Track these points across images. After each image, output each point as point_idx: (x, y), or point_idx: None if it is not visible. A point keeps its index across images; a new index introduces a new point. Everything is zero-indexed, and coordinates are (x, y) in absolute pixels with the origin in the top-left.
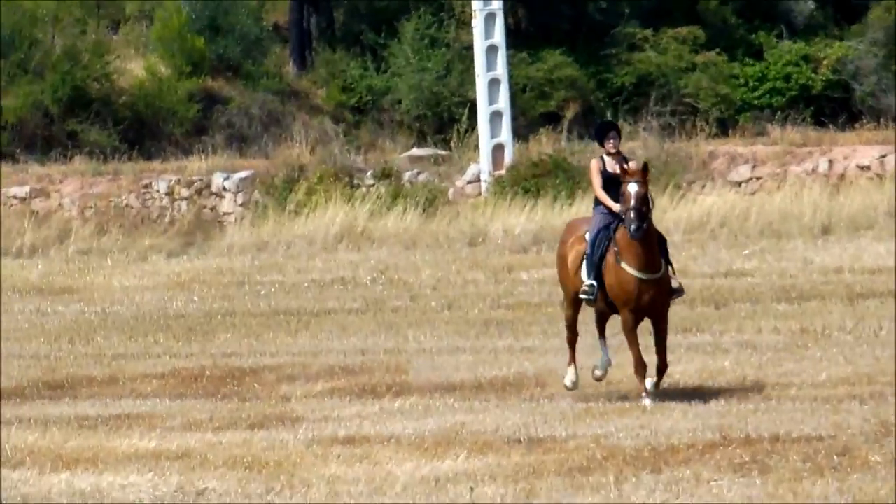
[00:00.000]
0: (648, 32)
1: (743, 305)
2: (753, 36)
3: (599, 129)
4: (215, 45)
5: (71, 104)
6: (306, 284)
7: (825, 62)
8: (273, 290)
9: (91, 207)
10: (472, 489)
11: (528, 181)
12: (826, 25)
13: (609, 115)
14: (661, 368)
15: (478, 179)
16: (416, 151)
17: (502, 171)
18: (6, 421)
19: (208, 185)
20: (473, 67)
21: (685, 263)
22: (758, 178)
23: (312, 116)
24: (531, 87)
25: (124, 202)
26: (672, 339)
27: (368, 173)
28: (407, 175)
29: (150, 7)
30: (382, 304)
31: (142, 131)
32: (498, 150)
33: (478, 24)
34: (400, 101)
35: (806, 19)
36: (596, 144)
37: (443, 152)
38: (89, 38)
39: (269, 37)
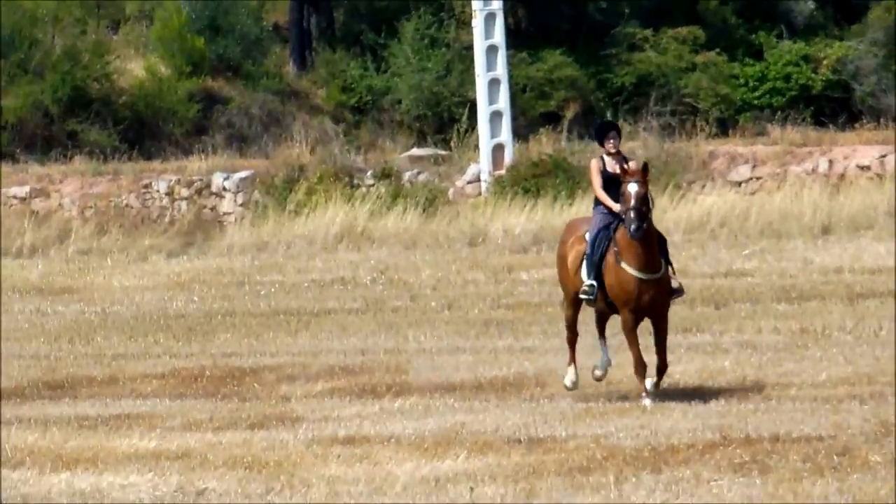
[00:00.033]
0: (648, 32)
1: (743, 305)
2: (753, 36)
3: (599, 129)
4: (215, 45)
5: (71, 104)
6: (306, 284)
7: (825, 62)
8: (273, 290)
9: (91, 207)
10: (471, 489)
11: (528, 181)
12: (826, 25)
13: (609, 115)
14: (662, 368)
15: (478, 179)
16: (416, 151)
17: (502, 171)
18: (6, 421)
19: (208, 185)
20: (473, 67)
21: (685, 263)
22: (758, 178)
23: (312, 116)
24: (531, 87)
25: (124, 202)
26: (672, 339)
27: (368, 173)
28: (407, 175)
29: (150, 7)
30: (382, 304)
31: (142, 131)
32: (498, 150)
33: (478, 24)
34: (400, 101)
35: (806, 19)
36: (596, 144)
37: (443, 152)
38: (89, 38)
39: (269, 37)
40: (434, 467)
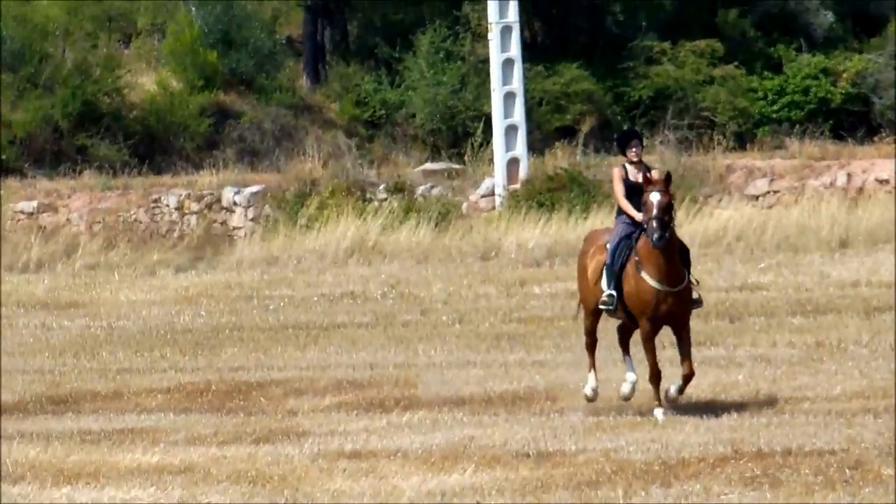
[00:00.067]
0: (666, 45)
1: (758, 319)
2: (772, 49)
3: (622, 137)
4: (228, 58)
5: (81, 119)
6: (315, 298)
7: (844, 75)
8: (282, 304)
9: (99, 222)
10: (478, 503)
11: (542, 195)
12: (845, 38)
13: (626, 128)
14: (688, 376)
15: (492, 193)
16: (429, 166)
17: (517, 185)
18: (8, 436)
19: (219, 200)
20: (489, 81)
21: (700, 277)
22: (775, 192)
23: (325, 131)
24: (547, 101)
25: (133, 217)
26: None
27: (381, 187)
28: (420, 189)
29: (163, 21)
30: (393, 318)
31: (152, 146)
32: (513, 164)
33: (494, 37)
34: (414, 116)
35: (825, 32)
36: (612, 157)
37: (457, 166)
38: (100, 52)
39: (283, 50)
40: (441, 481)
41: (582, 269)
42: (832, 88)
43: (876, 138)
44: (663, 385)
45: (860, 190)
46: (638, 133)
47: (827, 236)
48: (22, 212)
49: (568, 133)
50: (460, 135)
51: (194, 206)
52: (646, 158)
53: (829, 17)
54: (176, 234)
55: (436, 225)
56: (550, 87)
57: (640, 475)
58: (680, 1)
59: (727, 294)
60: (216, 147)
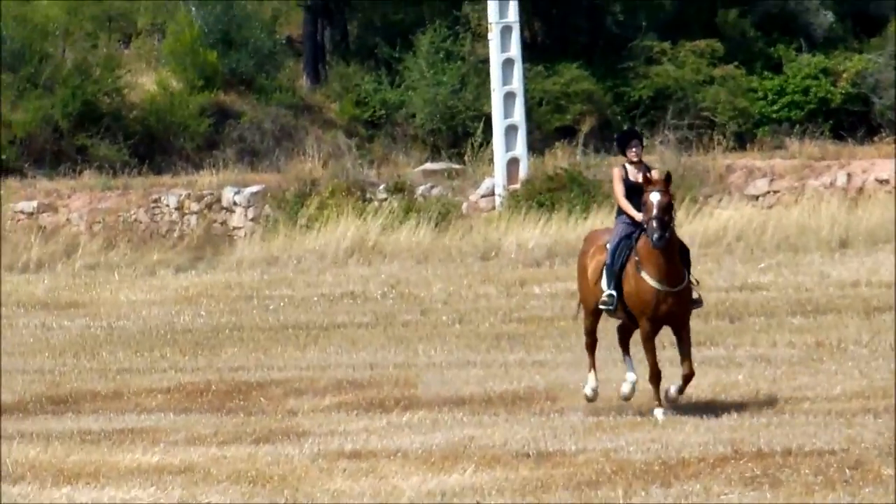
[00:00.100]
0: (666, 45)
1: (758, 319)
2: (772, 49)
3: (622, 137)
4: (228, 58)
5: (81, 119)
6: (315, 298)
7: (844, 75)
8: (282, 304)
9: (99, 222)
10: (478, 503)
11: (542, 195)
12: (845, 38)
13: (626, 128)
14: (688, 376)
15: (492, 193)
16: (429, 166)
17: (517, 185)
18: (8, 436)
19: (219, 200)
20: (489, 81)
21: (701, 277)
22: (775, 192)
23: (325, 131)
24: (547, 101)
25: (133, 217)
26: None
27: (381, 187)
28: (420, 189)
29: (163, 21)
30: (393, 318)
31: (152, 146)
32: (513, 164)
33: (494, 37)
34: (414, 116)
35: (825, 32)
36: (612, 157)
37: (457, 166)
38: (100, 52)
39: (283, 50)
40: (441, 481)
41: (582, 269)
42: (832, 88)
43: (876, 138)
44: (663, 385)
45: (860, 190)
46: (638, 133)
47: (827, 236)
48: (22, 212)
49: (568, 133)
50: (460, 135)
51: (194, 206)
52: (646, 158)
53: (829, 17)
54: (176, 234)
55: (436, 225)
56: (550, 87)
57: (640, 475)
58: (680, 1)
59: (727, 294)
60: (216, 147)
